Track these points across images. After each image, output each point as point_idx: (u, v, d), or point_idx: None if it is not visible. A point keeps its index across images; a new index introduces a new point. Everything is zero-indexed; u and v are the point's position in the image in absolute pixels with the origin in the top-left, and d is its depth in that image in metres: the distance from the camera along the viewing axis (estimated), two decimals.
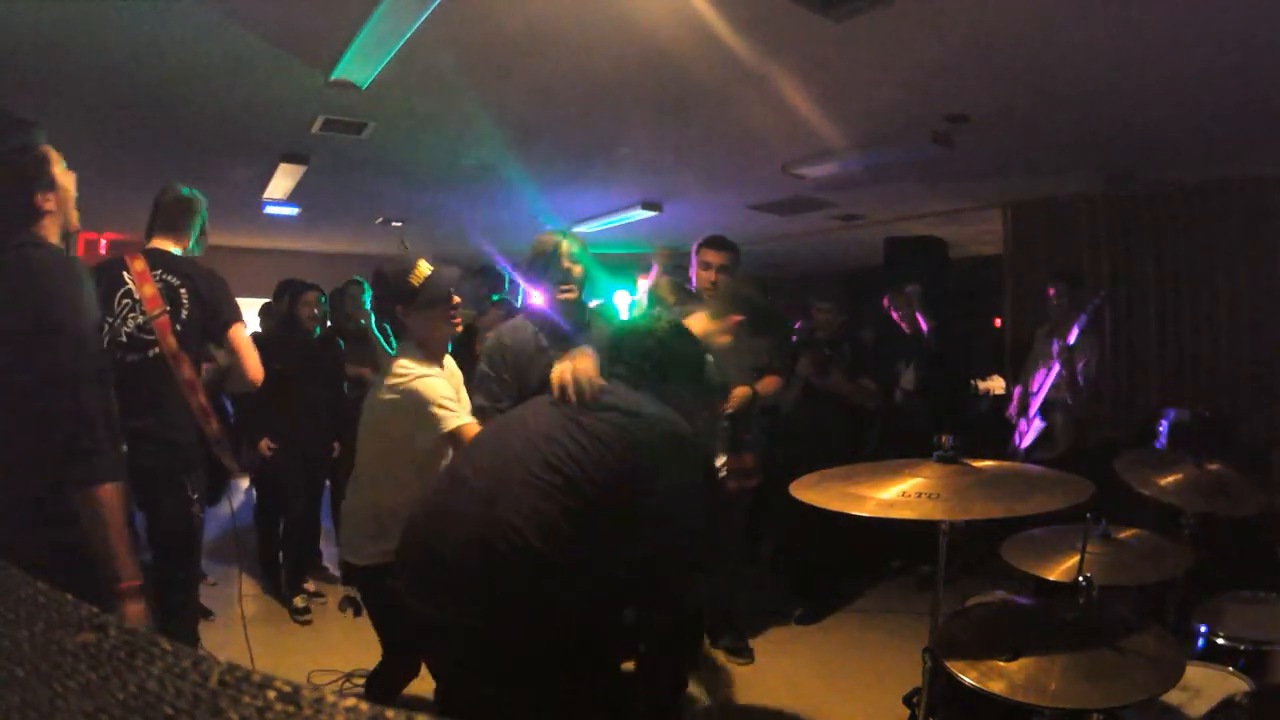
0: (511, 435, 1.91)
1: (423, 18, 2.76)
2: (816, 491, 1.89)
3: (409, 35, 2.91)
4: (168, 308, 2.69)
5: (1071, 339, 4.20)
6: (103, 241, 7.23)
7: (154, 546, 2.71)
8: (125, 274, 2.69)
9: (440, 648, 1.84)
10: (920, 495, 1.81)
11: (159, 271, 2.73)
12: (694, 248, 3.76)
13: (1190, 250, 4.99)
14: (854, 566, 4.84)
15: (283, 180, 5.33)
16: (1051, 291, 4.54)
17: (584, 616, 1.73)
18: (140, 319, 2.66)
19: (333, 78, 3.33)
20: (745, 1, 2.72)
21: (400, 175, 5.31)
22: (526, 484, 1.73)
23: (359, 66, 3.23)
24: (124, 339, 2.64)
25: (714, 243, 3.70)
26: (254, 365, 2.76)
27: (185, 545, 2.73)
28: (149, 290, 2.68)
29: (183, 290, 2.75)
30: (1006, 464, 2.06)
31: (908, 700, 2.40)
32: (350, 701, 0.38)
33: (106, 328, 2.61)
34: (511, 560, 1.66)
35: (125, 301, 2.66)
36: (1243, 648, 2.18)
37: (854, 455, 4.35)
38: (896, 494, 1.82)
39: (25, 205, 1.87)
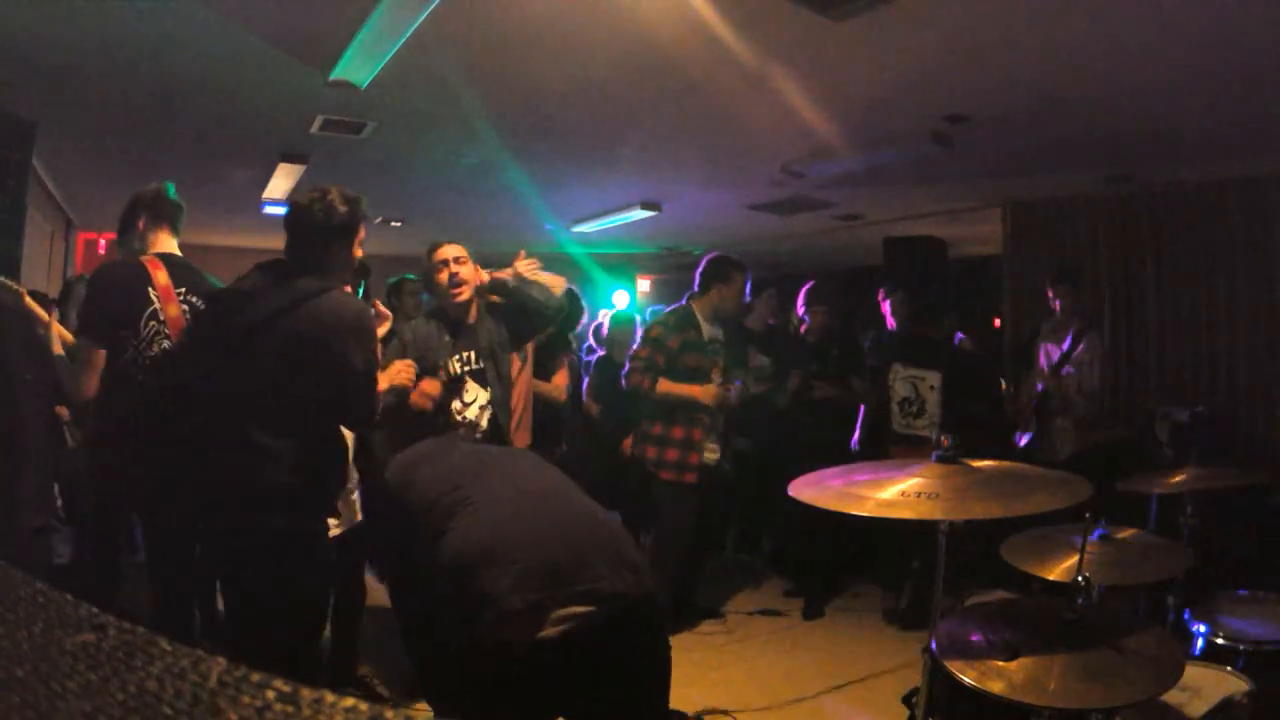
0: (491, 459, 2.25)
1: (422, 18, 2.76)
2: (816, 491, 1.89)
3: (408, 35, 2.91)
4: None
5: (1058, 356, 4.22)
6: (102, 241, 7.23)
7: (149, 550, 2.72)
8: (150, 290, 2.57)
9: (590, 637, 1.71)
10: (920, 495, 1.81)
11: (183, 290, 2.63)
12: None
13: (1190, 250, 4.99)
14: (853, 565, 4.86)
15: (282, 180, 5.33)
16: (1050, 293, 4.51)
17: None
18: (166, 344, 2.57)
19: (332, 78, 3.33)
20: (745, 1, 2.71)
21: (400, 175, 5.31)
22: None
23: (358, 66, 3.23)
24: (145, 362, 2.55)
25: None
26: None
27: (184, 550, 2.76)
28: (173, 311, 2.58)
29: None
30: (1006, 464, 2.06)
31: (907, 700, 2.40)
32: (349, 701, 0.38)
33: (131, 349, 2.53)
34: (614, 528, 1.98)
35: (152, 324, 2.56)
36: (1243, 648, 2.18)
37: (846, 450, 4.40)
38: (896, 494, 1.82)
39: (347, 261, 2.40)
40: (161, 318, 2.57)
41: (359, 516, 3.11)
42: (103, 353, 2.51)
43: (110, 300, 2.56)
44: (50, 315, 2.84)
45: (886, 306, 4.93)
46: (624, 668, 1.80)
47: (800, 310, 4.96)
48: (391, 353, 3.16)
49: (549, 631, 1.65)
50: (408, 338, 3.13)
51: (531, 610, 1.66)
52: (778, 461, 4.15)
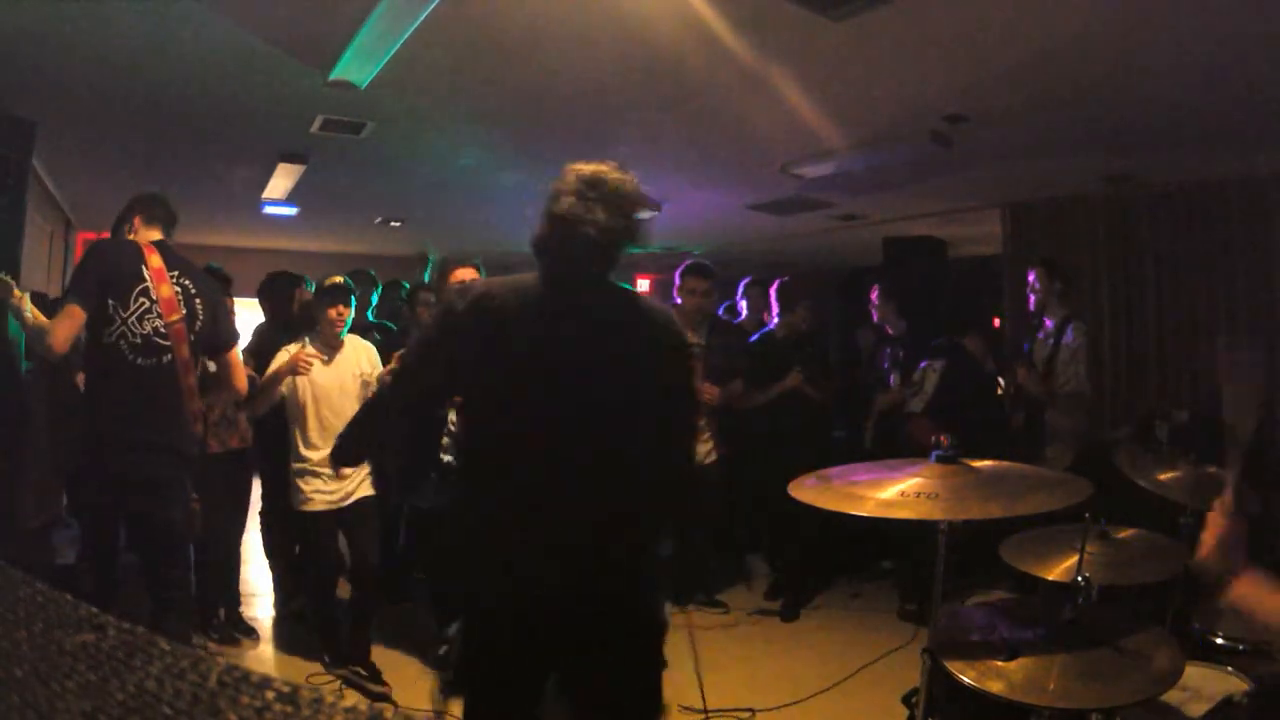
0: None
1: (422, 18, 2.76)
2: (816, 492, 1.89)
3: (408, 35, 2.91)
4: (184, 313, 2.67)
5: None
6: None
7: (146, 548, 2.71)
8: (143, 268, 2.64)
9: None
10: (920, 495, 1.81)
11: (175, 274, 2.69)
12: (678, 273, 4.42)
13: (1190, 250, 4.98)
14: (847, 565, 4.88)
15: (281, 180, 5.33)
16: (1031, 277, 4.38)
17: None
18: (159, 323, 2.62)
19: (331, 78, 3.33)
20: (745, 1, 2.71)
21: (399, 175, 5.31)
22: None
23: (358, 66, 3.23)
24: (138, 340, 2.59)
25: (699, 270, 4.39)
26: (243, 381, 3.00)
27: (182, 545, 2.75)
28: (166, 291, 2.64)
29: (199, 301, 2.74)
30: (1005, 464, 2.06)
31: (907, 700, 2.40)
32: (349, 701, 0.38)
33: (118, 321, 2.57)
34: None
35: (142, 300, 2.61)
36: (1242, 648, 2.18)
37: (824, 451, 4.41)
38: (895, 494, 1.82)
39: None
40: (154, 296, 2.62)
41: (366, 491, 3.42)
42: (82, 312, 2.52)
43: (103, 267, 2.61)
44: (20, 292, 2.82)
45: (886, 306, 4.92)
46: (604, 656, 1.74)
47: (774, 308, 4.71)
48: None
49: (521, 595, 1.66)
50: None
51: (512, 573, 1.68)
52: (770, 461, 4.16)
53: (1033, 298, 4.38)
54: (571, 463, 1.68)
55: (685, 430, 1.88)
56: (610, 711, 1.78)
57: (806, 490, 1.90)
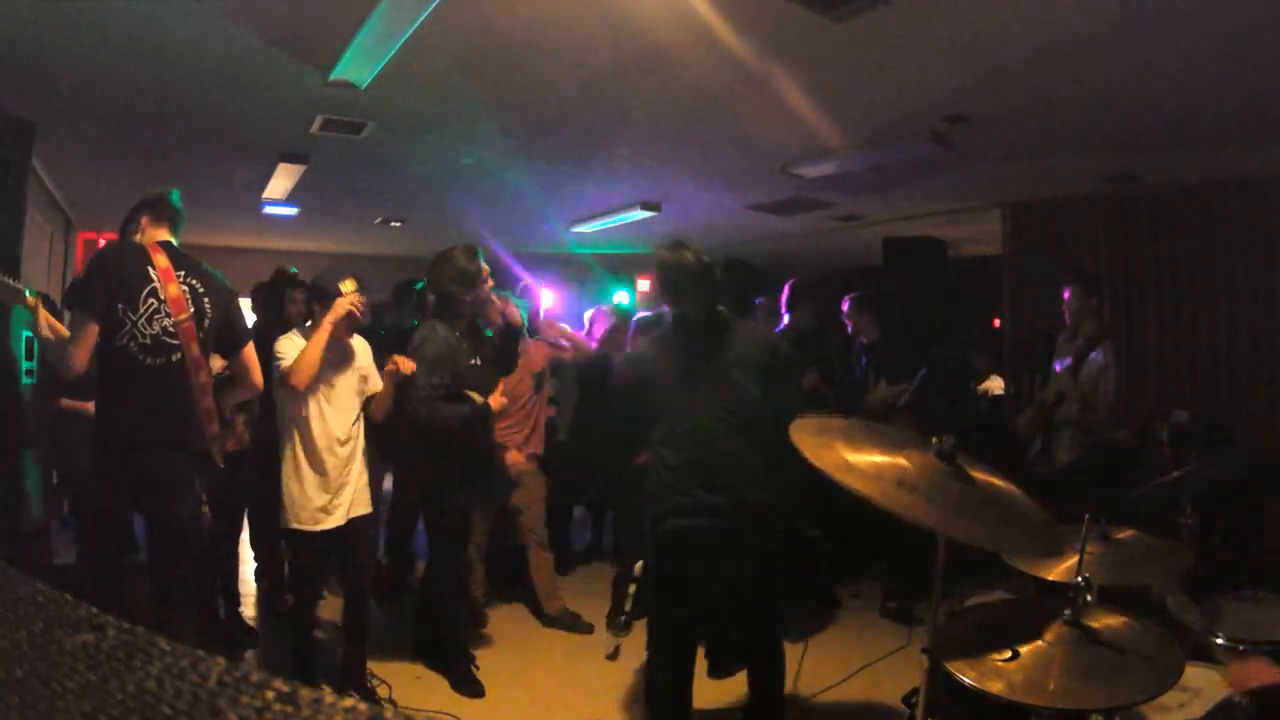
0: None
1: (422, 18, 2.76)
2: (815, 439, 1.81)
3: (408, 35, 2.91)
4: (192, 310, 2.67)
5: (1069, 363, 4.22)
6: (101, 241, 7.22)
7: (156, 546, 2.71)
8: (150, 269, 2.64)
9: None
10: (901, 485, 1.69)
11: (182, 273, 2.70)
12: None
13: (1190, 250, 4.99)
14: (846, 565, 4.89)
15: (282, 180, 5.33)
16: (1067, 294, 4.36)
17: None
18: (167, 322, 2.62)
19: (332, 78, 3.33)
20: (745, 1, 2.72)
21: (399, 175, 5.31)
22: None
23: (358, 66, 3.23)
24: (148, 341, 2.59)
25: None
26: (259, 378, 2.96)
27: (190, 545, 2.76)
28: (174, 291, 2.64)
29: (207, 300, 2.74)
30: (998, 481, 1.93)
31: (907, 700, 2.40)
32: (349, 701, 0.38)
33: (129, 324, 2.57)
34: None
35: (151, 301, 2.61)
36: (1242, 648, 2.18)
37: None
38: (867, 463, 1.73)
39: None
40: (162, 296, 2.63)
41: (363, 509, 3.27)
42: (96, 326, 2.54)
43: (109, 275, 2.61)
44: (35, 301, 2.86)
45: (859, 316, 4.89)
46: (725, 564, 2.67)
47: (784, 311, 4.73)
48: (431, 352, 3.27)
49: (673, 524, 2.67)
50: (441, 338, 3.31)
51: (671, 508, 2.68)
52: None
53: (1068, 314, 4.35)
54: (710, 447, 2.63)
55: (791, 413, 2.42)
56: (741, 600, 2.75)
57: (807, 437, 1.82)
